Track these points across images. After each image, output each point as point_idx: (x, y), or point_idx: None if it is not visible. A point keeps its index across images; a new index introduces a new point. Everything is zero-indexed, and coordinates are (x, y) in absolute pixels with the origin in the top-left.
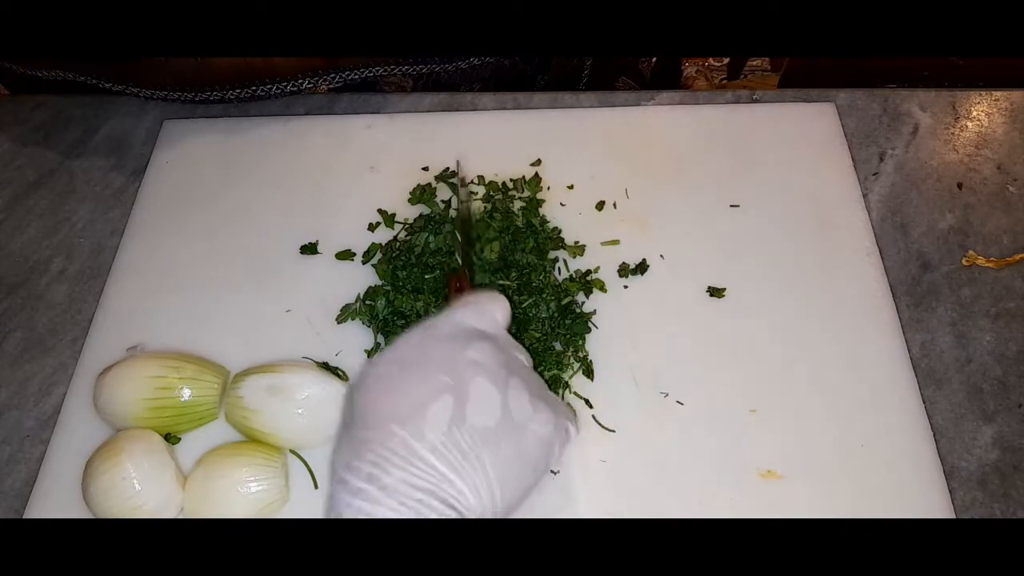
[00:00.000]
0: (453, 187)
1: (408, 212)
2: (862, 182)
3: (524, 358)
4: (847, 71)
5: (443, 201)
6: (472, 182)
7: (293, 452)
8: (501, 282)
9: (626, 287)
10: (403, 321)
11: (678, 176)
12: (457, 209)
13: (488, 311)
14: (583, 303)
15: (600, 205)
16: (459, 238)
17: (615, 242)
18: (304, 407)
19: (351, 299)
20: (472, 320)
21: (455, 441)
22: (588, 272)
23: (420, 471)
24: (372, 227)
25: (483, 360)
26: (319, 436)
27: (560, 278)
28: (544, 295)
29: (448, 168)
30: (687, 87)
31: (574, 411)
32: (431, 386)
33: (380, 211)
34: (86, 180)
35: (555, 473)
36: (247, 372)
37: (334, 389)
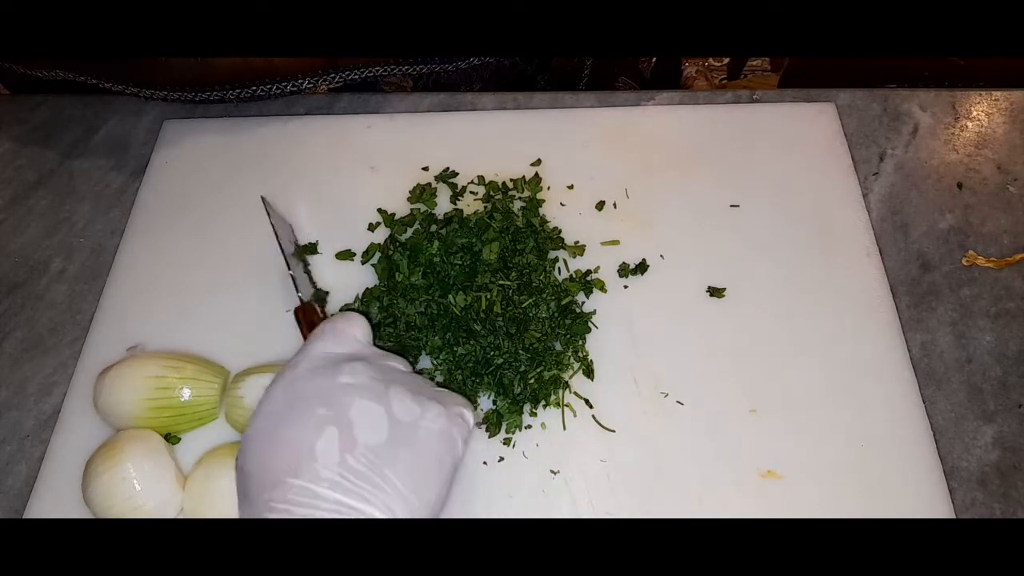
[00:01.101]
0: (273, 223)
1: (407, 212)
2: (862, 182)
3: (399, 364)
4: (847, 71)
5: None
6: (472, 182)
7: None
8: (501, 282)
9: (626, 287)
10: (395, 326)
11: (678, 176)
12: (280, 243)
13: (346, 332)
14: (583, 303)
15: (600, 205)
16: (300, 266)
17: (615, 242)
18: None
19: (351, 299)
20: (332, 346)
21: (351, 468)
22: (588, 272)
23: (327, 511)
24: (372, 227)
25: (356, 381)
26: None
27: (560, 278)
28: (544, 295)
29: (448, 168)
30: (687, 87)
31: (471, 400)
32: (312, 423)
33: (380, 211)
34: (86, 180)
35: (485, 464)
36: (247, 372)
37: None
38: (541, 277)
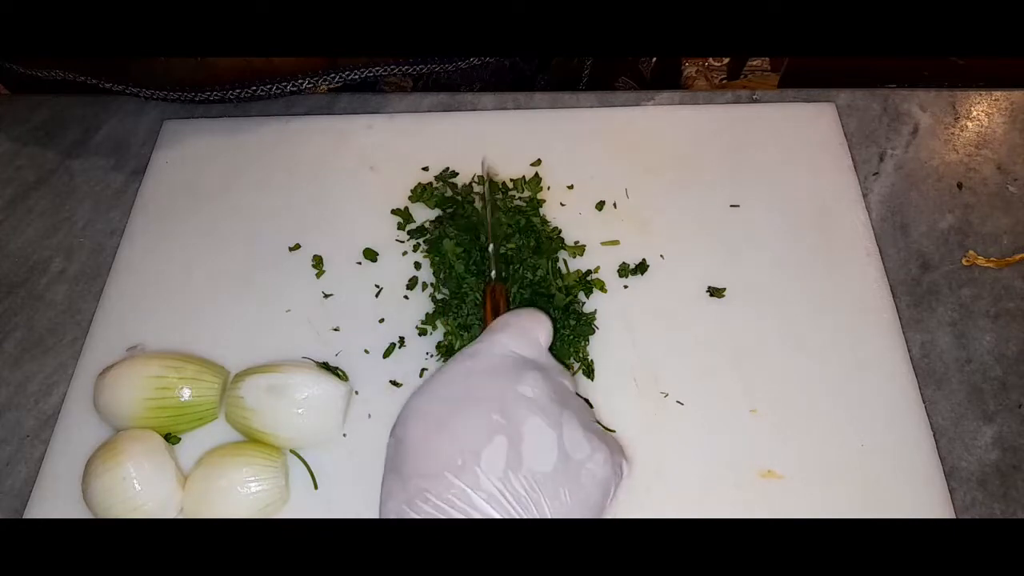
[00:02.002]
0: (486, 192)
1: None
2: (862, 182)
3: (569, 383)
4: (847, 71)
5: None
6: (472, 182)
7: (293, 452)
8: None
9: (626, 287)
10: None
11: (678, 176)
12: (489, 215)
13: (530, 332)
14: (583, 303)
15: (600, 205)
16: (491, 248)
17: (615, 242)
18: (304, 407)
19: (350, 299)
20: (515, 345)
21: (512, 488)
22: (588, 272)
23: None
24: (401, 226)
25: (535, 396)
26: (319, 436)
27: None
28: (553, 298)
29: (448, 168)
30: (687, 87)
31: (618, 443)
32: (483, 426)
33: (395, 211)
34: (86, 180)
35: None
36: (247, 372)
37: (334, 389)
38: (547, 277)
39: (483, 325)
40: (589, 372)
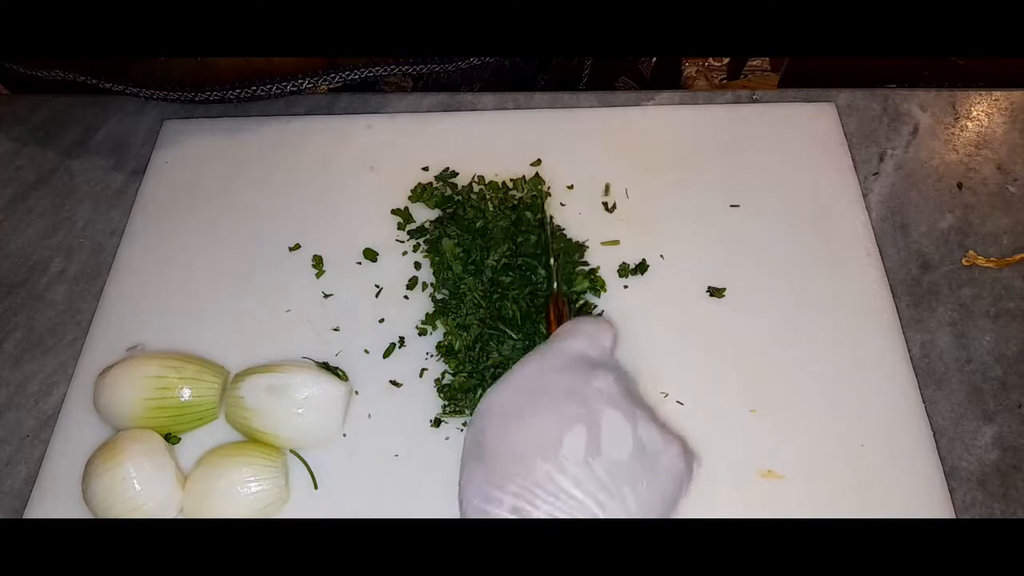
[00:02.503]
0: (542, 210)
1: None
2: (862, 182)
3: (633, 384)
4: (847, 71)
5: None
6: (473, 182)
7: (293, 452)
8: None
9: (626, 287)
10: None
11: (678, 176)
12: (549, 232)
13: (597, 338)
14: (595, 306)
15: (600, 205)
16: (554, 260)
17: (615, 242)
18: (304, 407)
19: (350, 299)
20: (583, 348)
21: (594, 474)
22: (593, 270)
23: (566, 504)
24: (401, 226)
25: (609, 390)
26: (319, 436)
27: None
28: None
29: (448, 168)
30: (687, 87)
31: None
32: (563, 416)
33: (395, 211)
34: (86, 180)
35: None
36: (247, 372)
37: (334, 389)
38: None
39: (547, 334)
40: None
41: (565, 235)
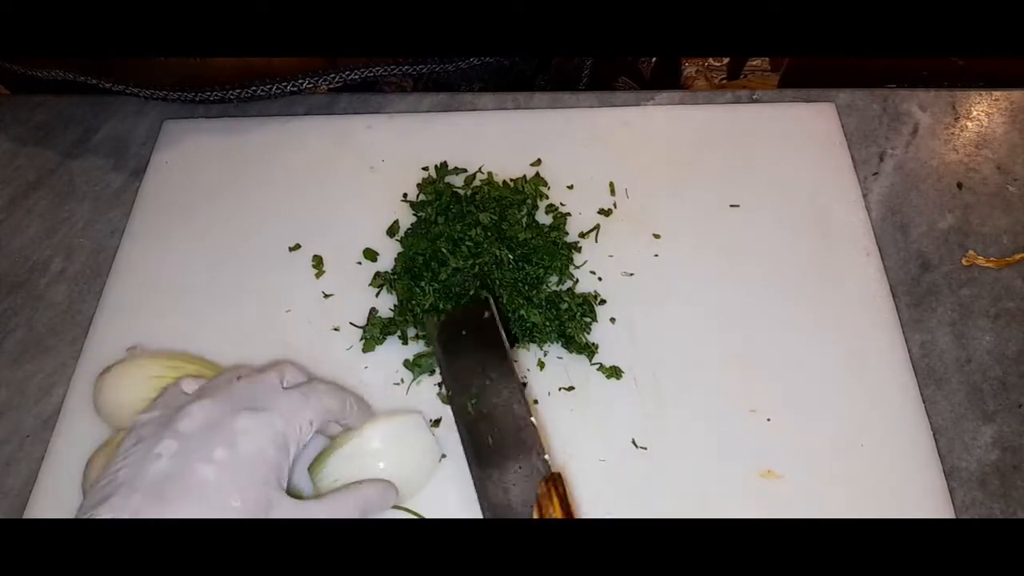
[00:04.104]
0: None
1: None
2: (862, 182)
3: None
4: (847, 71)
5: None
6: (477, 173)
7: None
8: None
9: (626, 287)
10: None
11: (678, 176)
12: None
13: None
14: (595, 294)
15: (600, 205)
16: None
17: (615, 242)
18: (385, 460)
19: (350, 299)
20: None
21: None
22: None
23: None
24: (392, 231)
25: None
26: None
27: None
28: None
29: (444, 162)
30: (687, 87)
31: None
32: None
33: (402, 204)
34: (86, 180)
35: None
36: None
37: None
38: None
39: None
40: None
41: (561, 236)
